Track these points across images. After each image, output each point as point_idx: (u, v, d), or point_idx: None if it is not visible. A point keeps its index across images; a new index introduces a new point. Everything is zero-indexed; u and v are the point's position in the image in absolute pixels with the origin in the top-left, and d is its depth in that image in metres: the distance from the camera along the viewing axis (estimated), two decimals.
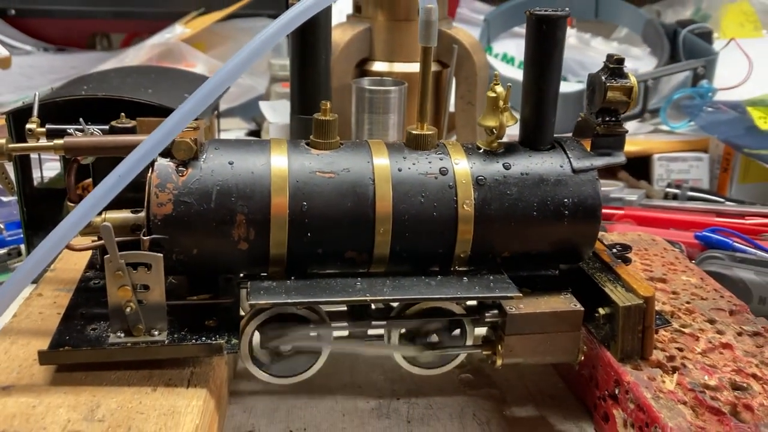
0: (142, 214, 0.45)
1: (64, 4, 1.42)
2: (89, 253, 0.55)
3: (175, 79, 0.74)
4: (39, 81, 1.26)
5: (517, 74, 0.82)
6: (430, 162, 0.47)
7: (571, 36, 1.40)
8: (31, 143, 0.48)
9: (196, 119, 0.54)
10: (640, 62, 1.29)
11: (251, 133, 1.08)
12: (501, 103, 0.47)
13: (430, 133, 0.48)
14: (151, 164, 0.44)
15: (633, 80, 0.48)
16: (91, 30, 1.52)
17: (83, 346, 0.43)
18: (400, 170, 0.47)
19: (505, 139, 0.49)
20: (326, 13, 0.61)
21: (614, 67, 0.48)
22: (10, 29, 1.44)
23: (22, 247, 0.71)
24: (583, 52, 1.35)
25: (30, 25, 1.47)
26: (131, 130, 0.49)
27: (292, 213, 0.45)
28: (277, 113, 0.91)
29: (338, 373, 0.55)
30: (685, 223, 0.80)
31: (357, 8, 0.80)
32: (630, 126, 1.06)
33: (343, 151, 0.47)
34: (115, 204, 0.47)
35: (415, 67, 0.77)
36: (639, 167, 0.98)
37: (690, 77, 1.04)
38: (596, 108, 0.48)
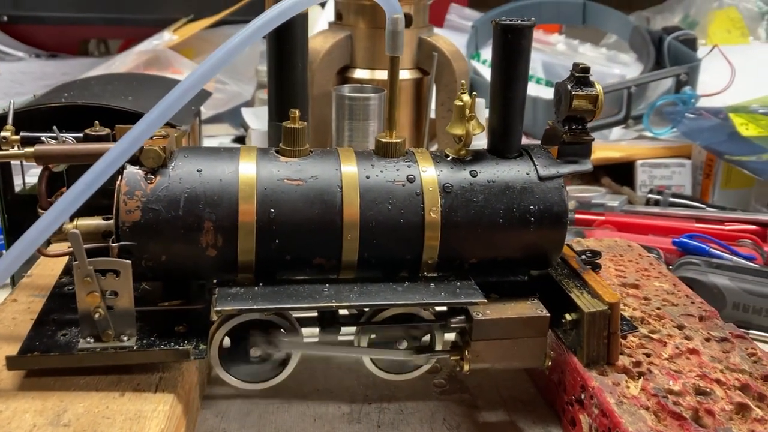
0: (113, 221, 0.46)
1: (55, 10, 1.44)
2: (66, 258, 0.56)
3: (156, 87, 0.74)
4: (30, 87, 1.27)
5: None
6: (398, 170, 0.48)
7: (560, 42, 1.41)
8: (4, 151, 0.48)
9: (173, 126, 0.55)
10: (628, 68, 1.30)
11: (238, 139, 1.09)
12: (467, 111, 0.47)
13: (399, 141, 0.49)
14: (120, 171, 0.45)
15: (598, 89, 0.48)
16: (82, 36, 1.53)
17: (52, 352, 0.44)
18: (368, 177, 0.47)
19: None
20: (303, 20, 0.61)
21: (580, 75, 0.48)
22: (1, 35, 1.45)
23: (4, 253, 0.71)
24: (572, 59, 1.36)
25: (22, 32, 1.48)
26: (105, 138, 0.49)
27: (259, 220, 0.45)
28: (260, 120, 0.91)
29: (311, 378, 0.55)
30: (664, 229, 0.80)
31: (338, 16, 0.81)
32: (614, 132, 1.07)
33: (312, 158, 0.48)
34: (91, 211, 0.48)
35: None
36: (622, 173, 0.98)
37: (673, 84, 1.05)
38: (563, 116, 0.49)
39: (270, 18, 0.44)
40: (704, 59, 1.11)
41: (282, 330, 0.47)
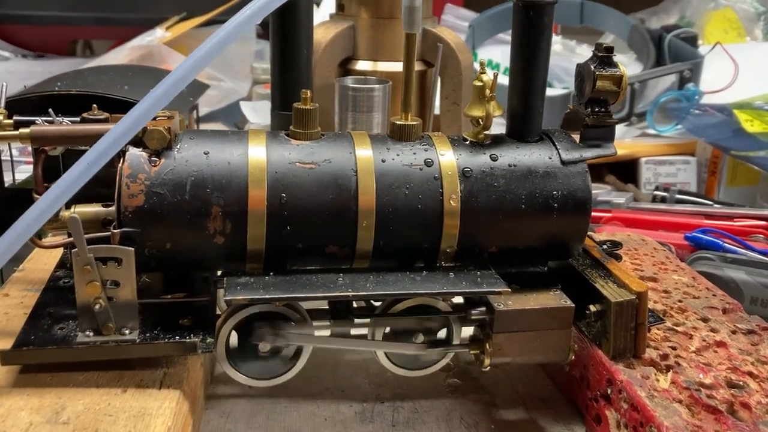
0: (114, 207, 0.43)
1: (43, 10, 1.40)
2: (60, 252, 0.53)
3: (152, 77, 0.72)
4: (16, 87, 1.23)
5: (502, 80, 0.80)
6: (414, 153, 0.46)
7: (557, 43, 1.40)
8: None
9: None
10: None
11: None
12: (487, 91, 0.45)
13: (415, 123, 0.47)
14: (122, 154, 0.42)
15: (622, 69, 0.46)
16: (70, 37, 1.50)
17: (49, 346, 0.41)
18: (383, 161, 0.45)
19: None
20: (308, 6, 0.59)
21: (603, 55, 0.46)
22: None
23: None
24: (569, 59, 1.35)
25: (8, 31, 1.45)
26: (103, 122, 0.47)
27: (270, 205, 0.43)
28: (258, 114, 0.89)
29: (320, 377, 0.53)
30: (674, 225, 0.79)
31: (340, 6, 0.78)
32: (617, 130, 1.06)
33: (325, 141, 0.46)
34: (87, 200, 0.45)
35: (398, 66, 0.76)
36: (626, 171, 0.97)
37: (676, 81, 1.04)
38: (585, 98, 0.47)
39: None
40: (706, 57, 1.10)
41: (293, 323, 0.45)
